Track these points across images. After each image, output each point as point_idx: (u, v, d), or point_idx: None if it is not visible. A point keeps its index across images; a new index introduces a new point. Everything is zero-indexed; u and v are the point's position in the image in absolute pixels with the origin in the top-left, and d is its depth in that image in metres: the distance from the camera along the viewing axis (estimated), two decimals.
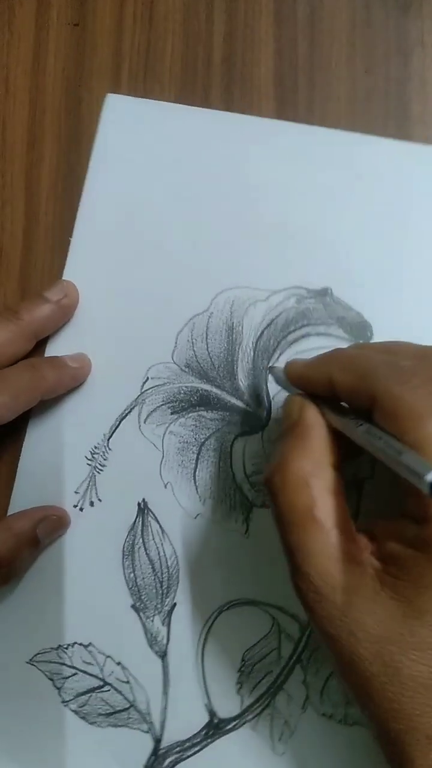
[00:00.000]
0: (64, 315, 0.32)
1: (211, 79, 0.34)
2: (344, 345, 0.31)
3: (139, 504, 0.32)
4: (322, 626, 0.22)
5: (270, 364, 0.31)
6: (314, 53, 0.33)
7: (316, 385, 0.25)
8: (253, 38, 0.34)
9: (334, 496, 0.23)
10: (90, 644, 0.31)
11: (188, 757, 0.30)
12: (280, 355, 0.31)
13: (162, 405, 0.32)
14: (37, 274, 0.34)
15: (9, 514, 0.32)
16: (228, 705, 0.30)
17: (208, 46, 0.34)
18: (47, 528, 0.31)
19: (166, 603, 0.31)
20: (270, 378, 0.31)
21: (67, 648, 0.31)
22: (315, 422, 0.24)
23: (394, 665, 0.21)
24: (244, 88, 0.34)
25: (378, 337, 0.31)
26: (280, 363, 0.31)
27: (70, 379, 0.31)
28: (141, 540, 0.31)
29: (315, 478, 0.23)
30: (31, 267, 0.34)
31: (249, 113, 0.33)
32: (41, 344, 0.32)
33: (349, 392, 0.23)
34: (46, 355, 0.32)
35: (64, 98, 0.34)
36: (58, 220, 0.34)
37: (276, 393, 0.31)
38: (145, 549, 0.31)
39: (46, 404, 0.32)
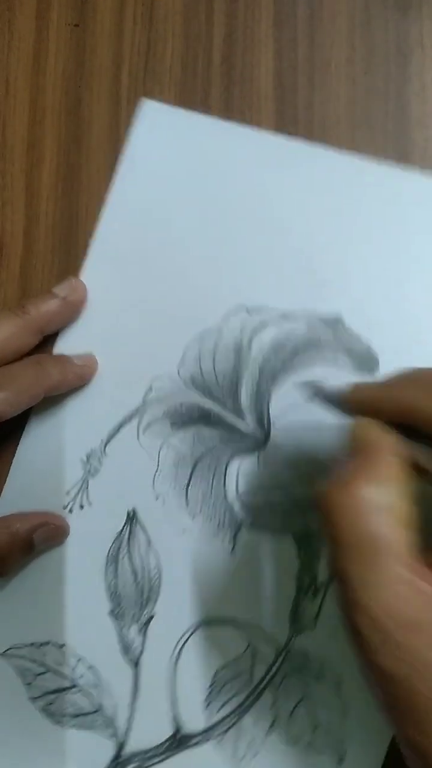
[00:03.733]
0: (71, 311, 0.32)
1: (210, 80, 0.34)
2: (350, 375, 0.31)
3: (128, 512, 0.32)
4: (378, 664, 0.20)
5: (265, 393, 0.31)
6: (314, 54, 0.33)
7: (389, 412, 0.23)
8: (253, 39, 0.34)
9: (405, 528, 0.21)
10: (64, 645, 0.31)
11: (149, 767, 0.31)
12: (285, 378, 0.31)
13: (162, 417, 0.32)
14: (37, 274, 0.33)
15: None
16: (194, 720, 0.31)
17: (207, 47, 0.34)
18: (44, 535, 0.31)
19: (144, 613, 0.31)
20: (272, 401, 0.31)
21: (40, 646, 0.31)
22: (388, 447, 0.22)
23: None
24: (244, 89, 0.34)
25: (384, 367, 0.31)
26: (272, 398, 0.31)
27: (75, 378, 0.31)
28: (126, 548, 0.31)
29: (386, 505, 0.21)
30: (31, 267, 0.33)
31: (248, 114, 0.33)
32: (49, 344, 0.32)
33: None
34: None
35: (64, 99, 0.34)
36: (58, 221, 0.34)
37: (277, 417, 0.31)
38: (130, 558, 0.31)
39: (47, 403, 0.32)
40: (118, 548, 0.31)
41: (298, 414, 0.31)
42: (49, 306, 0.31)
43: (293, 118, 0.33)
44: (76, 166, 0.34)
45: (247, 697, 0.30)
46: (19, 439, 0.32)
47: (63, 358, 0.31)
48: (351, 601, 0.21)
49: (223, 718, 0.30)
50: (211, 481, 0.31)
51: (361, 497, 0.21)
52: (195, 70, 0.34)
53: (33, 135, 0.34)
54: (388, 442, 0.22)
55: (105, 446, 0.32)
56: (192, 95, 0.34)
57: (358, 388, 0.24)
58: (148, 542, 0.31)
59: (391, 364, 0.31)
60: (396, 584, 0.20)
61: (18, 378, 0.29)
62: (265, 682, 0.30)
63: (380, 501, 0.21)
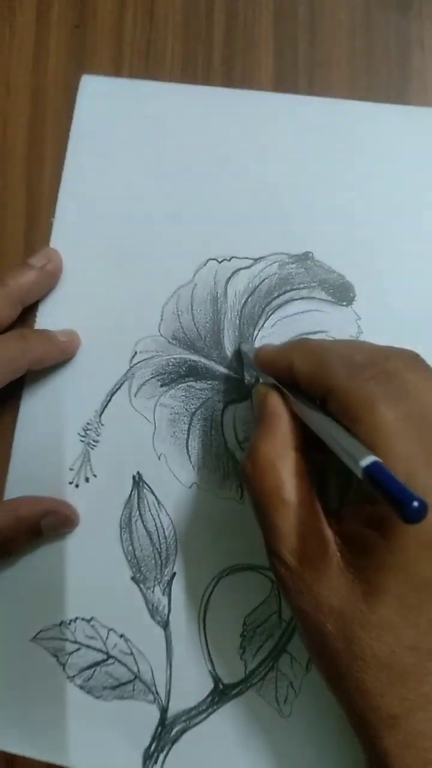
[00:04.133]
0: (48, 281, 0.32)
1: (211, 80, 0.34)
2: (328, 308, 0.32)
3: (133, 477, 0.32)
4: (293, 601, 0.23)
5: (248, 337, 0.32)
6: (314, 54, 0.33)
7: (280, 372, 0.26)
8: (253, 39, 0.34)
9: (299, 478, 0.24)
10: (92, 618, 0.31)
11: (195, 725, 0.31)
12: (265, 321, 0.32)
13: (151, 378, 0.32)
14: None
15: (6, 495, 0.32)
16: (232, 670, 0.31)
17: (208, 46, 0.34)
18: (52, 522, 0.31)
19: (166, 573, 0.31)
20: (257, 341, 0.31)
21: (69, 623, 0.32)
22: (279, 409, 0.25)
23: (356, 643, 0.21)
24: (244, 89, 0.34)
25: (361, 297, 0.31)
26: (255, 341, 0.32)
27: (59, 352, 0.31)
28: (137, 512, 0.32)
29: (281, 461, 0.24)
30: None
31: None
32: (28, 319, 0.33)
33: (307, 381, 0.24)
34: None
35: (65, 99, 0.35)
36: None
37: None
38: (142, 521, 0.32)
39: (37, 383, 0.32)
40: (130, 514, 0.32)
41: None
42: (27, 276, 0.31)
43: None
44: None
45: (280, 638, 0.30)
46: (12, 424, 0.32)
47: (46, 333, 0.32)
48: (268, 548, 0.24)
49: (260, 663, 0.30)
50: (209, 432, 0.32)
51: (261, 458, 0.24)
52: (195, 69, 0.34)
53: (33, 135, 0.35)
54: (279, 404, 0.25)
55: (100, 417, 0.32)
56: None
57: (261, 349, 0.28)
58: (158, 503, 0.32)
59: (368, 291, 0.31)
60: (299, 527, 0.23)
61: (2, 350, 0.29)
62: (294, 620, 0.30)
63: (277, 456, 0.24)
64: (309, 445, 0.24)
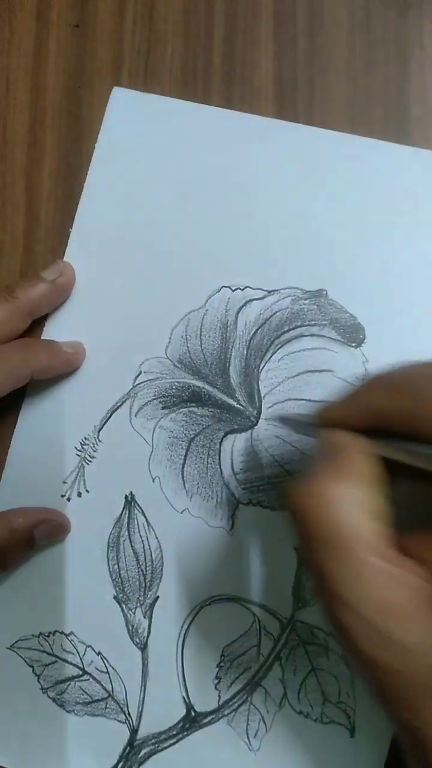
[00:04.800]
0: (60, 294, 0.32)
1: (211, 80, 0.34)
2: (336, 348, 0.31)
3: (126, 496, 0.32)
4: (367, 655, 0.20)
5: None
6: (314, 54, 0.33)
7: (358, 420, 0.23)
8: (253, 40, 0.34)
9: (373, 518, 0.21)
10: (71, 633, 0.31)
11: (164, 749, 0.31)
12: (272, 354, 0.32)
13: (153, 399, 0.32)
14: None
15: None
16: (205, 699, 0.31)
17: (208, 47, 0.34)
18: (45, 532, 0.31)
19: (149, 596, 0.31)
20: (262, 377, 0.31)
21: (48, 636, 0.32)
22: (353, 445, 0.22)
23: None
24: (244, 90, 0.34)
25: (371, 339, 0.31)
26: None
27: (63, 363, 0.31)
28: (127, 532, 0.32)
29: (352, 497, 0.21)
30: (31, 268, 0.34)
31: (249, 114, 0.33)
32: (36, 331, 0.33)
33: (401, 415, 0.22)
34: None
35: (65, 99, 0.35)
36: (58, 221, 0.34)
37: (267, 392, 0.31)
38: (131, 541, 0.32)
39: (38, 394, 0.32)
40: (119, 533, 0.32)
41: (288, 389, 0.31)
42: (37, 290, 0.31)
43: (293, 118, 0.33)
44: (77, 166, 0.34)
45: (257, 672, 0.30)
46: (11, 431, 0.32)
47: (52, 343, 0.31)
48: (330, 595, 0.21)
49: (234, 695, 0.30)
50: (206, 460, 0.31)
51: (327, 492, 0.21)
52: (195, 70, 0.34)
53: (33, 135, 0.34)
54: (353, 442, 0.23)
55: (98, 433, 0.32)
56: (192, 95, 0.34)
57: (324, 408, 0.25)
58: (148, 525, 0.31)
59: (378, 334, 0.31)
60: (372, 574, 0.20)
61: (6, 359, 0.29)
62: (272, 656, 0.30)
63: (347, 495, 0.21)
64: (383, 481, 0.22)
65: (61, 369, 0.31)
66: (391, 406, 0.22)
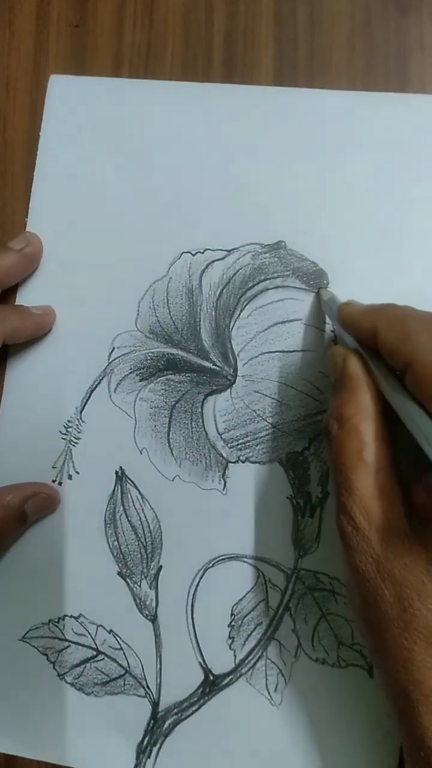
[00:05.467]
0: (27, 264, 0.32)
1: (211, 80, 0.34)
2: (302, 296, 0.32)
3: (116, 472, 0.32)
4: (353, 559, 0.23)
5: (229, 325, 0.31)
6: (314, 54, 0.33)
7: (362, 334, 0.26)
8: (253, 40, 0.34)
9: (380, 442, 0.24)
10: (80, 615, 0.31)
11: (187, 717, 0.31)
12: (240, 311, 0.32)
13: (130, 373, 0.32)
14: None
15: None
16: (222, 661, 0.31)
17: (208, 47, 0.34)
18: (36, 505, 0.31)
19: (152, 567, 0.31)
20: (233, 336, 0.32)
21: (57, 621, 0.32)
22: (361, 373, 0.25)
23: (411, 611, 0.21)
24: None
25: (334, 283, 0.31)
26: (232, 332, 0.32)
27: (33, 325, 0.32)
28: (122, 507, 0.32)
29: (364, 424, 0.24)
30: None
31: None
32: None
33: (390, 349, 0.24)
34: None
35: None
36: None
37: (241, 349, 0.32)
38: (127, 516, 0.32)
39: (15, 383, 0.32)
40: (114, 509, 0.32)
41: (261, 343, 0.32)
42: (5, 260, 0.31)
43: None
44: None
45: (268, 626, 0.31)
46: None
47: (21, 307, 0.32)
48: (337, 503, 0.24)
49: (250, 653, 0.31)
50: (190, 425, 0.32)
51: (346, 420, 0.24)
52: (195, 70, 0.34)
53: (33, 135, 0.34)
54: (359, 369, 0.26)
55: (81, 413, 0.32)
56: None
57: (344, 307, 0.28)
58: (142, 497, 0.32)
59: (340, 277, 0.31)
60: (373, 488, 0.23)
61: None
62: (282, 608, 0.30)
63: (360, 420, 0.24)
64: (388, 411, 0.25)
65: (31, 330, 0.32)
66: (385, 336, 0.24)
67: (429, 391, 0.22)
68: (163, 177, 0.33)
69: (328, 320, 0.31)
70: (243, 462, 0.31)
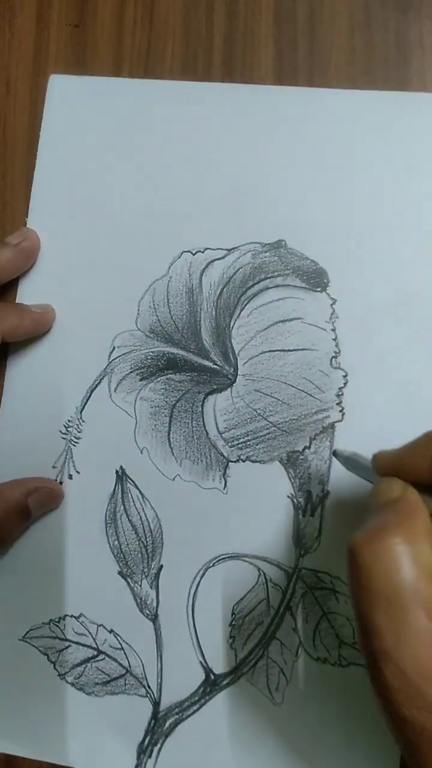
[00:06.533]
0: (25, 259, 0.32)
1: (211, 79, 0.34)
2: (302, 294, 0.32)
3: (117, 472, 0.32)
4: (402, 714, 0.20)
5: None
6: (314, 55, 0.33)
7: (416, 471, 0.23)
8: (253, 40, 0.34)
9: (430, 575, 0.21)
10: (81, 615, 0.31)
11: (188, 716, 0.31)
12: (241, 310, 0.32)
13: (130, 372, 0.32)
14: None
15: None
16: (223, 660, 0.31)
17: (208, 47, 0.34)
18: (39, 499, 0.31)
19: (153, 566, 0.31)
20: (234, 335, 0.32)
21: (58, 621, 0.32)
22: (418, 502, 0.22)
23: None
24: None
25: (335, 282, 0.31)
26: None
27: (33, 323, 0.32)
28: (122, 507, 0.32)
29: (418, 558, 0.21)
30: None
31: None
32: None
33: None
34: None
35: None
36: None
37: (241, 348, 0.32)
38: (127, 515, 0.32)
39: (15, 382, 0.32)
40: (114, 508, 0.32)
41: (261, 342, 0.32)
42: (2, 254, 0.32)
43: None
44: None
45: (269, 625, 0.30)
46: None
47: (20, 305, 0.32)
48: (378, 651, 0.20)
49: (251, 652, 0.30)
50: (190, 424, 0.32)
51: (395, 549, 0.21)
52: (195, 70, 0.34)
53: (33, 135, 0.35)
54: (417, 499, 0.23)
55: (81, 413, 0.32)
56: None
57: (380, 455, 0.25)
58: (142, 496, 0.32)
59: (341, 275, 0.31)
60: (425, 637, 0.20)
61: None
62: (283, 606, 0.30)
63: (413, 555, 0.21)
64: None
65: (30, 328, 0.32)
66: None
67: None
68: (163, 176, 0.33)
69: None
70: (243, 461, 0.31)
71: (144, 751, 0.30)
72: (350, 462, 0.28)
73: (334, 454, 0.29)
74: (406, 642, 0.20)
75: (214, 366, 0.32)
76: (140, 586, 0.31)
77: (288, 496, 0.31)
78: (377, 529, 0.21)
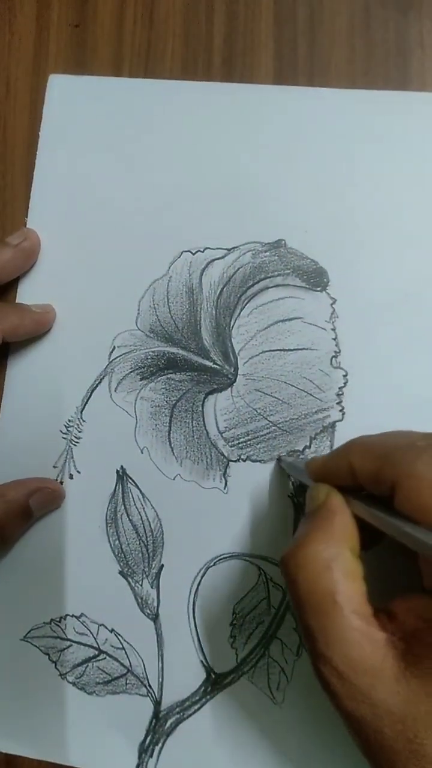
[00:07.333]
0: (25, 259, 0.33)
1: (211, 79, 0.34)
2: (302, 294, 0.32)
3: (117, 471, 0.32)
4: (345, 708, 0.22)
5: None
6: (314, 55, 0.33)
7: (339, 476, 0.25)
8: (253, 40, 0.34)
9: (354, 581, 0.23)
10: (82, 615, 0.31)
11: (190, 716, 0.31)
12: (241, 310, 0.32)
13: (131, 372, 0.32)
14: None
15: None
16: (224, 659, 0.31)
17: (208, 47, 0.34)
18: (40, 500, 0.31)
19: (153, 566, 0.31)
20: (234, 334, 0.32)
21: (59, 621, 0.32)
22: (339, 507, 0.24)
23: (417, 742, 0.20)
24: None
25: (335, 281, 0.31)
26: (233, 330, 0.31)
27: (33, 323, 0.32)
28: (123, 507, 0.32)
29: (336, 562, 0.23)
30: None
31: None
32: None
33: (372, 477, 0.23)
34: None
35: None
36: None
37: (241, 348, 0.32)
38: (128, 515, 0.32)
39: (16, 382, 0.32)
40: (115, 508, 0.32)
41: (261, 342, 0.32)
42: (2, 254, 0.32)
43: None
44: None
45: (270, 624, 0.30)
46: None
47: (20, 305, 0.32)
48: (315, 653, 0.22)
49: (251, 651, 0.30)
50: (190, 424, 0.32)
51: (312, 555, 0.23)
52: (195, 70, 0.34)
53: (33, 135, 0.35)
54: (338, 503, 0.24)
55: (81, 413, 0.32)
56: None
57: (311, 461, 0.27)
58: (143, 496, 0.32)
59: (341, 274, 0.31)
60: (351, 634, 0.22)
61: None
62: (283, 606, 0.30)
63: (330, 557, 0.23)
64: (362, 545, 0.24)
65: (30, 328, 0.32)
66: (362, 466, 0.24)
67: (422, 502, 0.21)
68: (163, 176, 0.33)
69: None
70: (244, 461, 0.31)
71: (145, 750, 0.30)
72: (292, 469, 0.29)
73: (278, 460, 0.31)
74: (335, 642, 0.22)
75: (215, 365, 0.32)
76: (141, 585, 0.31)
77: (288, 496, 0.31)
78: (301, 537, 0.23)
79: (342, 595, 0.22)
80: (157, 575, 0.31)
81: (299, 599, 0.23)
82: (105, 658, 0.31)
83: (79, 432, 0.32)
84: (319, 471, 0.26)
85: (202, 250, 0.32)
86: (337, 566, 0.22)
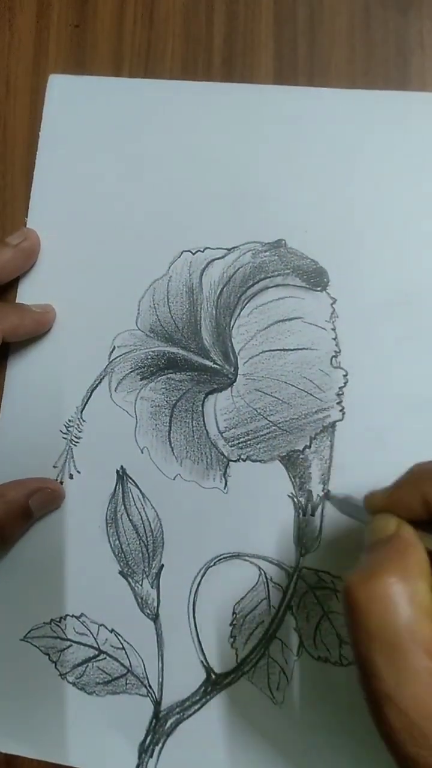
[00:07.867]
0: (25, 259, 0.33)
1: (211, 79, 0.34)
2: (302, 294, 0.32)
3: (117, 471, 0.32)
4: (407, 753, 0.20)
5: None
6: (314, 55, 0.33)
7: (409, 508, 0.23)
8: (253, 40, 0.34)
9: (430, 620, 0.20)
10: (82, 615, 0.31)
11: (190, 716, 0.31)
12: (241, 310, 0.32)
13: (131, 372, 0.32)
14: None
15: None
16: (224, 660, 0.31)
17: (208, 47, 0.34)
18: (41, 500, 0.31)
19: (153, 566, 0.31)
20: (234, 334, 0.32)
21: (59, 621, 0.32)
22: (413, 539, 0.22)
23: None
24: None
25: (335, 281, 0.31)
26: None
27: (33, 323, 0.32)
28: (123, 507, 0.32)
29: (415, 597, 0.20)
30: None
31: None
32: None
33: None
34: None
35: None
36: None
37: (241, 348, 0.32)
38: (128, 515, 0.32)
39: (16, 382, 0.32)
40: (115, 508, 0.32)
41: (261, 341, 0.32)
42: (2, 254, 0.32)
43: None
44: None
45: (270, 624, 0.30)
46: None
47: (20, 305, 0.32)
48: (378, 692, 0.20)
49: (251, 651, 0.30)
50: (191, 423, 0.32)
51: (390, 589, 0.20)
52: (195, 70, 0.34)
53: (33, 135, 0.35)
54: (412, 535, 0.22)
55: (81, 413, 0.32)
56: None
57: (371, 495, 0.25)
58: (143, 496, 0.32)
59: (341, 274, 0.31)
60: (424, 677, 0.20)
61: None
62: (283, 606, 0.30)
63: (409, 594, 0.21)
64: None
65: (30, 328, 0.32)
66: None
67: None
68: (163, 176, 0.33)
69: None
70: (244, 460, 0.31)
71: (145, 750, 0.30)
72: (343, 504, 0.28)
73: (327, 497, 0.30)
74: (405, 683, 0.20)
75: (215, 365, 0.32)
76: (141, 585, 0.31)
77: (288, 496, 0.31)
78: (372, 567, 0.21)
79: (418, 634, 0.20)
80: (157, 575, 0.31)
81: (368, 633, 0.20)
82: (105, 658, 0.31)
83: (79, 432, 0.32)
84: (385, 503, 0.24)
85: (202, 249, 0.32)
86: (416, 602, 0.20)
